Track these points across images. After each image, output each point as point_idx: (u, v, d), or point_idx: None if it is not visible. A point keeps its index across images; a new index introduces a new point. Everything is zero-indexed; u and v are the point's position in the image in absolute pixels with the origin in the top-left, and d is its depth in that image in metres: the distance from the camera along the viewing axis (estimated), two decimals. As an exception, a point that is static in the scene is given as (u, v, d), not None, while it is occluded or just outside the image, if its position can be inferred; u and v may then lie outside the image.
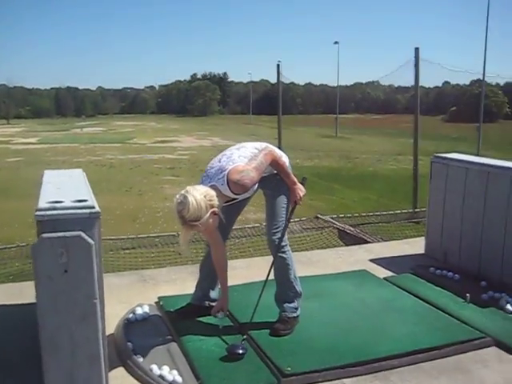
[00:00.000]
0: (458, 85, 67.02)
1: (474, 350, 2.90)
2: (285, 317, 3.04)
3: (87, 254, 2.03)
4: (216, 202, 2.64)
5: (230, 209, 2.98)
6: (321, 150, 28.40)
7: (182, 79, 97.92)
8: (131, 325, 3.07)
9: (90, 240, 2.03)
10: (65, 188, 2.57)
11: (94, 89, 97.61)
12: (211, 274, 3.19)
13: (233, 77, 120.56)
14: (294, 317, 3.06)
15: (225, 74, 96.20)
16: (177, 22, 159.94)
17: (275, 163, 2.93)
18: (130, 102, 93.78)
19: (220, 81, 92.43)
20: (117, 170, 20.29)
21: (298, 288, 3.09)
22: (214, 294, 3.27)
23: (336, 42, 51.26)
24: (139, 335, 2.95)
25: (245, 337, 2.87)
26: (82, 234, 2.02)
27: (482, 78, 30.71)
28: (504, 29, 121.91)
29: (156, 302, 3.45)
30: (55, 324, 2.04)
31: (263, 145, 3.01)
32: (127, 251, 6.15)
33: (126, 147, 30.30)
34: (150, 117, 78.28)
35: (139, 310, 3.22)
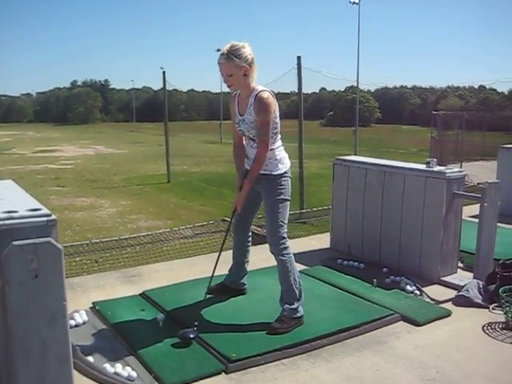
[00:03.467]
0: (334, 91, 70.93)
1: (386, 325, 3.36)
2: (282, 316, 3.23)
3: (56, 258, 2.15)
4: (254, 69, 3.19)
5: (250, 202, 3.41)
6: (207, 156, 28.74)
7: (62, 86, 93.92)
8: (73, 330, 3.14)
9: (58, 245, 2.15)
10: (9, 198, 2.60)
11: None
12: (239, 260, 3.70)
13: (114, 84, 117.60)
14: (292, 317, 3.22)
15: (106, 80, 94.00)
16: (53, 24, 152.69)
17: (260, 156, 3.22)
18: (5, 110, 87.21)
19: (101, 88, 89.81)
20: (-3, 181, 19.13)
21: (298, 291, 3.28)
22: (244, 279, 3.75)
23: (218, 50, 52.07)
24: (83, 339, 3.06)
25: (196, 323, 3.11)
26: (52, 240, 2.14)
27: (356, 85, 32.96)
28: (374, 41, 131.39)
29: (91, 308, 3.54)
30: (26, 328, 2.13)
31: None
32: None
33: (4, 158, 28.50)
34: (27, 126, 73.72)
35: (77, 316, 3.30)
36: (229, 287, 3.72)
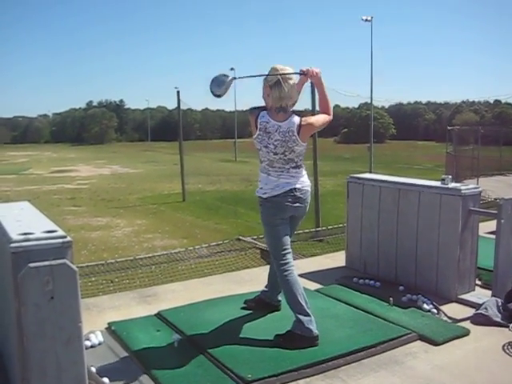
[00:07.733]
0: (347, 108, 71.09)
1: (403, 344, 3.31)
2: (290, 331, 3.27)
3: (72, 280, 2.17)
4: (273, 94, 3.35)
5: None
6: (221, 175, 28.87)
7: (77, 107, 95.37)
8: (88, 351, 3.14)
9: (74, 267, 2.17)
10: (25, 220, 2.64)
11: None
12: (272, 279, 3.71)
13: (129, 104, 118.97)
14: (298, 334, 3.23)
15: (121, 101, 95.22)
16: (68, 45, 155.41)
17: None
18: (23, 132, 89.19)
19: (116, 108, 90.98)
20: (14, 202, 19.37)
21: (303, 309, 3.29)
22: (279, 296, 3.79)
23: (232, 69, 52.37)
24: (99, 360, 3.05)
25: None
26: (67, 262, 2.16)
27: (370, 102, 32.96)
28: (387, 57, 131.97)
29: (107, 328, 3.54)
30: (41, 349, 2.14)
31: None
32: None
33: (21, 178, 28.94)
34: (44, 146, 74.96)
35: (93, 337, 3.31)
36: (264, 301, 3.81)
